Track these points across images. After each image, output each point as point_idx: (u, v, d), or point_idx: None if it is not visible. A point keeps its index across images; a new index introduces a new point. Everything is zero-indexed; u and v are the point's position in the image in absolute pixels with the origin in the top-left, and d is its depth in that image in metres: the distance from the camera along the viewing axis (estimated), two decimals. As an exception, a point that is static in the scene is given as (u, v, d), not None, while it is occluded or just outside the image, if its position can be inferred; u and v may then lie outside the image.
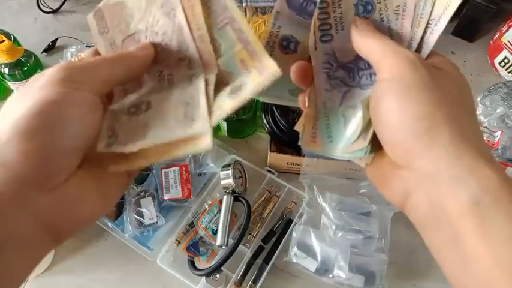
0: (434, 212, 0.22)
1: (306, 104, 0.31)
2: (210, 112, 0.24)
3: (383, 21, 0.28)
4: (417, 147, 0.23)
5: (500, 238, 0.20)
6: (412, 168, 0.23)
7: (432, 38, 0.27)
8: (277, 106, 0.73)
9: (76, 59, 0.28)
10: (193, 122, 0.24)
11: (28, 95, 0.23)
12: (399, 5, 0.27)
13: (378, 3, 0.28)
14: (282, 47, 0.31)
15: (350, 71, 0.29)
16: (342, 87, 0.30)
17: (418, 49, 0.27)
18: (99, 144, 0.25)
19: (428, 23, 0.27)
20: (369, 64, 0.29)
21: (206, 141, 0.23)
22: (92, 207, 0.25)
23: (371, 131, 0.27)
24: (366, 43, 0.27)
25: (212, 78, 0.26)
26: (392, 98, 0.24)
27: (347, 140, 0.28)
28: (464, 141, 0.22)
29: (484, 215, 0.20)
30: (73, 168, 0.23)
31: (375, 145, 0.27)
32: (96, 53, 0.30)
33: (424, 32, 0.27)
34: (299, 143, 0.30)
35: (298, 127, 0.31)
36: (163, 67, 0.28)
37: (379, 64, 0.26)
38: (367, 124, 0.27)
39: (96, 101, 0.24)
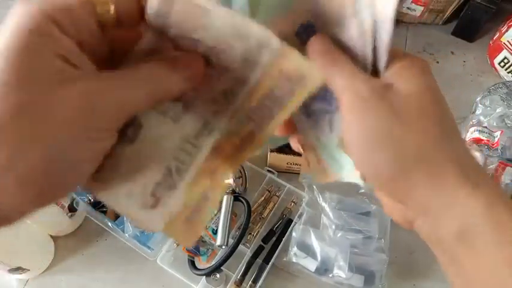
0: (434, 239, 0.23)
1: (302, 152, 0.30)
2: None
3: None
4: (398, 188, 0.23)
5: (491, 263, 0.21)
6: (403, 204, 0.24)
7: (383, 42, 0.24)
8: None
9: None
10: (153, 210, 0.21)
11: (32, 134, 0.18)
12: (338, 19, 0.25)
13: (316, 22, 0.25)
14: None
15: (324, 98, 0.28)
16: (325, 116, 0.28)
17: (375, 57, 0.24)
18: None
19: (373, 28, 0.24)
20: None
21: (155, 229, 0.21)
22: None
23: None
24: (323, 70, 0.24)
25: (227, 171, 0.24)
26: (360, 143, 0.23)
27: (351, 164, 0.27)
28: (443, 170, 0.22)
29: (472, 244, 0.21)
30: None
31: None
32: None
33: (374, 38, 0.24)
34: (313, 181, 0.30)
35: (304, 170, 0.30)
36: (195, 99, 0.23)
37: (339, 100, 0.24)
38: None
39: (112, 141, 0.20)
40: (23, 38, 0.18)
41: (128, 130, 0.21)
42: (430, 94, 0.23)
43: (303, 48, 0.25)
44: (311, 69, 0.22)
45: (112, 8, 0.19)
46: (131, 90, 0.20)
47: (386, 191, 0.24)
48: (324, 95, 0.27)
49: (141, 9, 0.21)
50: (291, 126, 0.29)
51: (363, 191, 0.69)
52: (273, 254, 0.65)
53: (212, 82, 0.23)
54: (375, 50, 0.24)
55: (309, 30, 0.26)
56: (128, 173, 0.21)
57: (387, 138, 0.22)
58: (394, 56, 0.24)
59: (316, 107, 0.28)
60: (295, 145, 0.31)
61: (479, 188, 0.21)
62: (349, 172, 0.28)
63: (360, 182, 0.27)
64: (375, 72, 0.24)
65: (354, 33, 0.24)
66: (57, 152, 0.18)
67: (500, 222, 0.21)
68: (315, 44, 0.25)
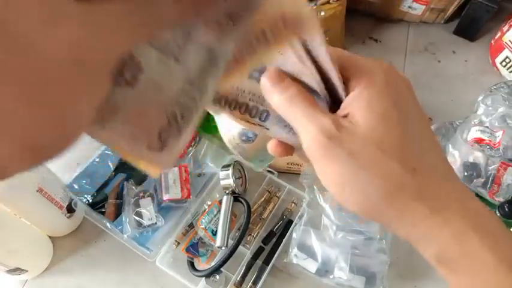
0: (415, 244, 0.24)
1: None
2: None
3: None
4: (377, 219, 0.24)
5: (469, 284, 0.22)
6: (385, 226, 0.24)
7: (325, 61, 0.23)
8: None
9: None
10: (161, 152, 0.21)
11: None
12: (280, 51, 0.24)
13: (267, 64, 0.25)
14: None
15: None
16: None
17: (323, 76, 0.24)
18: None
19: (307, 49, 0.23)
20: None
21: (155, 172, 0.21)
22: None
23: None
24: (283, 112, 0.24)
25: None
26: (332, 187, 0.23)
27: None
28: (416, 202, 0.22)
29: (450, 266, 0.22)
30: None
31: None
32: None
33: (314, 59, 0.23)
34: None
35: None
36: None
37: (303, 144, 0.24)
38: None
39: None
40: None
41: (127, 74, 0.19)
42: (385, 123, 0.22)
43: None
44: (309, 17, 0.22)
45: None
46: (120, 29, 0.17)
47: (368, 218, 0.24)
48: None
49: None
50: (286, 147, 0.28)
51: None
52: (273, 255, 0.64)
53: (216, 4, 0.21)
54: (322, 73, 0.23)
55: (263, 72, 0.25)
56: (130, 118, 0.20)
57: (353, 183, 0.22)
58: (351, 68, 0.23)
59: None
60: (277, 149, 0.29)
61: (450, 219, 0.22)
62: None
63: None
64: (334, 98, 0.24)
65: (295, 60, 0.23)
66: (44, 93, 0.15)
67: (472, 254, 0.22)
68: (271, 79, 0.24)
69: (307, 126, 0.22)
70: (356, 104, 0.22)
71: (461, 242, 0.22)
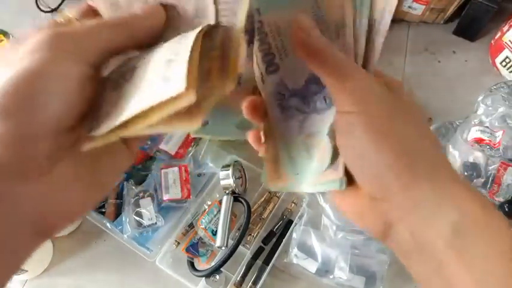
0: (417, 244, 0.22)
1: (262, 140, 0.29)
2: (194, 67, 0.19)
3: (332, 41, 0.26)
4: (397, 182, 0.22)
5: (482, 266, 0.20)
6: (391, 201, 0.23)
7: (375, 52, 0.25)
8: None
9: (62, 19, 0.23)
10: (167, 82, 0.19)
11: (6, 63, 0.19)
12: (337, 23, 0.25)
13: (316, 24, 0.25)
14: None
15: (304, 98, 0.27)
16: (299, 116, 0.28)
17: (364, 65, 0.25)
18: (83, 129, 0.21)
19: (368, 36, 0.25)
20: (320, 85, 0.27)
21: (185, 101, 0.18)
22: (82, 196, 0.22)
23: (341, 162, 0.25)
24: (320, 65, 0.23)
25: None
26: (365, 135, 0.22)
27: (315, 170, 0.26)
28: (438, 171, 0.22)
29: (465, 243, 0.21)
30: (59, 151, 0.20)
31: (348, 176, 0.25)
32: (87, 12, 0.25)
33: (367, 45, 0.25)
34: (262, 181, 0.28)
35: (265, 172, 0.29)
36: (175, 35, 0.23)
37: (339, 94, 0.23)
38: (334, 154, 0.25)
39: (89, 72, 0.20)
40: None
41: (127, 75, 0.22)
42: (419, 109, 0.25)
43: None
44: None
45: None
46: (96, 31, 0.21)
47: (381, 184, 0.23)
48: (303, 94, 0.27)
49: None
50: (261, 112, 0.28)
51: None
52: (273, 255, 0.64)
53: (180, 20, 0.24)
54: (365, 55, 0.24)
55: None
56: (134, 93, 0.20)
57: (401, 125, 0.22)
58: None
59: (293, 104, 0.28)
60: (253, 138, 0.29)
61: (473, 191, 0.22)
62: (316, 177, 0.26)
63: (334, 186, 0.25)
64: None
65: (349, 38, 0.24)
66: (31, 70, 0.18)
67: (494, 227, 0.21)
68: (310, 32, 0.23)
69: (349, 68, 0.23)
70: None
71: (488, 217, 0.21)
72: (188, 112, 0.19)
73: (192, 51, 0.19)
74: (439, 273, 0.21)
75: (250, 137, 0.30)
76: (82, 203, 0.22)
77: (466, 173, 0.69)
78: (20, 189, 0.19)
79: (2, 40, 0.71)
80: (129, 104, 0.19)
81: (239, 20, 0.23)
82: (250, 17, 0.25)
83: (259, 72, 0.27)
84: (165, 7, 0.23)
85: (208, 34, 0.22)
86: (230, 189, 0.66)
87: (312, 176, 0.27)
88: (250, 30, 0.26)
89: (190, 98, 0.18)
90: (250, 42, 0.26)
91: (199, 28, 0.21)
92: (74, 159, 0.20)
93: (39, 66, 0.19)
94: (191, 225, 0.67)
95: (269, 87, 0.28)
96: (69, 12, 0.23)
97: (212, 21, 0.23)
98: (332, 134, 0.25)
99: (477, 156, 0.70)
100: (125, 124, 0.19)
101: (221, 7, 0.23)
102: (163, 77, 0.19)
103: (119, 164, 0.24)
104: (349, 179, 0.25)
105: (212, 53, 0.22)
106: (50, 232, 0.21)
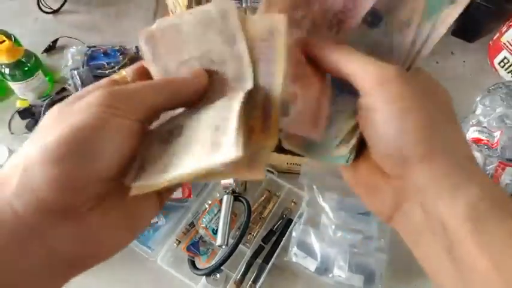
0: (429, 222, 0.22)
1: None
2: (241, 136, 0.21)
3: (386, 36, 0.27)
4: (415, 157, 0.22)
5: (498, 246, 0.20)
6: (407, 178, 0.23)
7: (424, 54, 0.27)
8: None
9: (117, 77, 0.26)
10: (218, 148, 0.21)
11: (64, 118, 0.21)
12: (404, 21, 0.27)
13: (385, 15, 0.27)
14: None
15: (334, 82, 0.29)
16: (336, 91, 0.29)
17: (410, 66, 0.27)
18: (127, 177, 0.23)
19: (425, 41, 0.27)
20: None
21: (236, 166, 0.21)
22: (115, 239, 0.23)
23: (353, 141, 0.26)
24: (341, 63, 0.25)
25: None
26: (388, 109, 0.23)
27: (330, 142, 0.27)
28: (461, 151, 0.23)
29: (481, 223, 0.20)
30: (100, 197, 0.22)
31: (357, 153, 0.27)
32: (141, 71, 0.27)
33: (419, 52, 0.27)
34: (280, 137, 0.28)
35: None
36: (216, 98, 0.26)
37: (362, 88, 0.24)
38: (350, 132, 0.26)
39: (136, 127, 0.23)
40: None
41: (174, 132, 0.25)
42: (451, 101, 0.26)
43: (364, 29, 0.27)
44: (273, 21, 0.24)
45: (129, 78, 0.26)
46: (143, 92, 0.24)
47: (398, 159, 0.23)
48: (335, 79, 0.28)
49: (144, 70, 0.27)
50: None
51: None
52: (273, 254, 0.65)
53: (221, 83, 0.26)
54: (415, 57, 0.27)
55: (375, 17, 0.28)
56: (185, 150, 0.23)
57: (420, 105, 0.23)
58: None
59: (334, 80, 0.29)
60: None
61: (486, 175, 0.22)
62: (327, 152, 0.28)
63: (340, 161, 0.27)
64: None
65: (409, 39, 0.27)
66: (84, 124, 0.21)
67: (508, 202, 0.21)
68: (321, 44, 0.26)
69: (375, 66, 0.24)
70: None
71: (501, 192, 0.22)
72: (248, 166, 0.22)
73: (239, 120, 0.21)
74: (449, 254, 0.21)
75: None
76: (113, 245, 0.23)
77: (464, 173, 0.69)
78: (61, 229, 0.21)
79: (4, 41, 0.71)
80: (182, 161, 0.22)
81: (276, 84, 0.24)
82: None
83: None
84: (208, 72, 0.26)
85: (250, 95, 0.24)
86: (230, 189, 0.67)
87: (326, 147, 0.28)
88: None
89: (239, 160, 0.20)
90: None
91: (243, 94, 0.23)
92: (112, 204, 0.22)
93: (94, 121, 0.21)
94: (192, 224, 0.68)
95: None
96: (125, 71, 0.27)
97: (250, 83, 0.25)
98: (351, 115, 0.26)
99: (475, 156, 0.70)
100: (174, 178, 0.22)
101: (260, 68, 0.25)
102: (211, 142, 0.22)
103: (149, 212, 0.25)
104: (362, 154, 0.26)
105: (254, 112, 0.24)
106: (81, 270, 0.23)
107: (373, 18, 0.27)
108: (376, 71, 0.24)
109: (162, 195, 0.26)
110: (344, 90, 0.28)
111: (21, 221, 0.20)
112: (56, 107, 0.23)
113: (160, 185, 0.22)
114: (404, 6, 0.27)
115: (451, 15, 0.25)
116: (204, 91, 0.26)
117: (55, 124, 0.21)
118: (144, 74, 0.27)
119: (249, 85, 0.25)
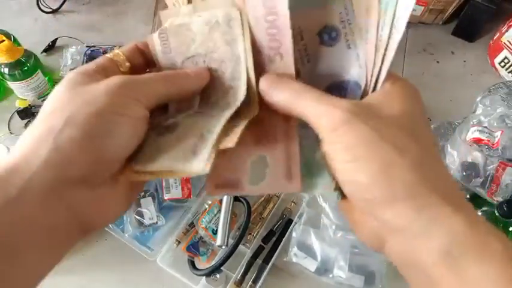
0: (409, 260, 0.23)
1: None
2: (213, 154, 0.24)
3: (350, 48, 0.26)
4: (382, 201, 0.22)
5: (474, 285, 0.20)
6: (380, 220, 0.23)
7: (388, 60, 0.25)
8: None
9: (113, 56, 0.28)
10: (193, 158, 0.24)
11: (85, 96, 0.24)
12: (362, 29, 0.26)
13: (342, 28, 0.26)
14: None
15: None
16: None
17: (378, 74, 0.26)
18: (135, 161, 0.26)
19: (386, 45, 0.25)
20: (343, 92, 0.27)
21: (198, 171, 0.24)
22: (118, 207, 0.26)
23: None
24: (292, 106, 0.25)
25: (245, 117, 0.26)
26: (341, 159, 0.23)
27: (325, 179, 0.27)
28: (426, 190, 0.22)
29: (456, 263, 0.21)
30: (113, 172, 0.25)
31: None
32: (135, 51, 0.29)
33: (384, 55, 0.25)
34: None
35: None
36: (213, 94, 0.29)
37: (316, 124, 0.24)
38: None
39: (147, 115, 0.25)
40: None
41: (170, 125, 0.27)
42: (408, 117, 0.24)
43: (322, 49, 0.27)
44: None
45: (126, 64, 0.28)
46: (154, 83, 0.26)
47: (366, 204, 0.23)
48: None
49: (146, 58, 0.29)
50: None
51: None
52: (273, 254, 0.65)
53: (220, 81, 0.28)
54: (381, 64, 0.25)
55: (332, 34, 0.26)
56: (170, 149, 0.26)
57: (371, 152, 0.22)
58: (388, 78, 0.25)
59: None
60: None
61: (461, 208, 0.22)
62: (326, 185, 0.27)
63: (334, 197, 0.26)
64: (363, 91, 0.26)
65: (370, 48, 0.25)
66: (106, 109, 0.23)
67: (485, 242, 0.21)
68: (269, 81, 0.26)
69: (326, 108, 0.23)
70: (386, 94, 0.25)
71: (476, 233, 0.21)
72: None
73: (217, 139, 0.24)
74: (431, 285, 0.22)
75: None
76: (117, 211, 0.27)
77: (464, 173, 0.69)
78: (79, 193, 0.23)
79: (3, 41, 0.71)
80: (166, 157, 0.25)
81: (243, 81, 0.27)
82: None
83: None
84: (210, 70, 0.29)
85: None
86: (230, 189, 0.66)
87: (322, 184, 0.27)
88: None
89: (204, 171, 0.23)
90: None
91: (231, 111, 0.26)
92: (117, 179, 0.25)
93: (118, 105, 0.24)
94: (192, 225, 0.68)
95: None
96: (120, 50, 0.29)
97: (244, 84, 0.27)
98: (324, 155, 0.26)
99: (476, 156, 0.70)
100: (158, 173, 0.25)
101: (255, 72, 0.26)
102: (192, 149, 0.25)
103: (137, 186, 0.29)
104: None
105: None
106: (90, 231, 0.25)
107: (329, 34, 0.26)
108: (327, 113, 0.23)
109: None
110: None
111: (44, 183, 0.22)
112: (69, 83, 0.24)
113: (151, 177, 0.25)
114: (358, 10, 0.26)
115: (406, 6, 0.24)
116: (205, 87, 0.28)
117: (77, 99, 0.23)
118: (138, 54, 0.29)
119: (243, 83, 0.27)
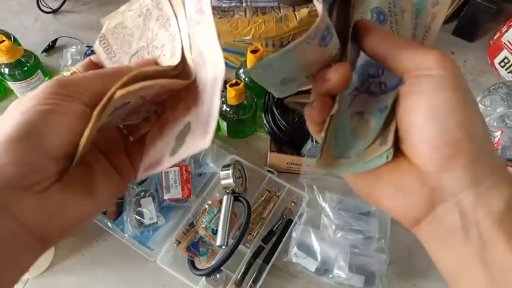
0: (464, 223, 0.22)
1: (326, 124, 0.28)
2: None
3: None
4: (463, 154, 0.22)
5: None
6: (451, 174, 0.22)
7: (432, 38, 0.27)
8: (277, 106, 0.73)
9: (68, 74, 0.29)
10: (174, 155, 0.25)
11: (19, 106, 0.24)
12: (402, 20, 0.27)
13: (389, 16, 0.27)
14: (321, 38, 0.25)
15: (360, 76, 0.28)
16: (352, 91, 0.28)
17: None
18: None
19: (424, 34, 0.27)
20: (379, 72, 0.27)
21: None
22: (78, 212, 0.26)
23: (391, 135, 0.25)
24: (387, 50, 0.25)
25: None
26: (454, 93, 0.22)
27: (358, 148, 0.27)
28: (496, 153, 0.23)
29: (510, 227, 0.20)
30: (57, 173, 0.24)
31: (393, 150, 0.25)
32: (88, 65, 0.31)
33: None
34: (316, 165, 0.28)
35: (317, 136, 0.28)
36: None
37: (408, 73, 0.24)
38: (383, 127, 0.25)
39: (85, 111, 0.25)
40: None
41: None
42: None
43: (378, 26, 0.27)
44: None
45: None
46: (89, 79, 0.27)
47: (440, 157, 0.22)
48: (360, 72, 0.27)
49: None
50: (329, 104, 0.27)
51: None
52: (273, 254, 0.65)
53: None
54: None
55: (381, 17, 0.27)
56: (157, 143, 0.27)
57: (464, 104, 0.22)
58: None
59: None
60: (310, 112, 0.28)
61: None
62: (359, 156, 0.26)
63: (378, 162, 0.25)
64: None
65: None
66: (35, 110, 0.23)
67: None
68: (369, 25, 0.26)
69: (424, 50, 0.23)
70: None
71: None
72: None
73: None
74: (480, 256, 0.21)
75: (308, 117, 0.29)
76: (76, 217, 0.26)
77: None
78: (23, 202, 0.23)
79: (3, 41, 0.71)
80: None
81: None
82: None
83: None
84: (155, 59, 0.28)
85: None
86: (230, 189, 0.67)
87: (355, 155, 0.27)
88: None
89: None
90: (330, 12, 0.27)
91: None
92: (71, 180, 0.25)
93: (43, 106, 0.24)
94: (192, 225, 0.68)
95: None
96: (75, 67, 0.29)
97: (178, 57, 0.27)
98: (391, 108, 0.25)
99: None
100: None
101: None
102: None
103: (113, 189, 0.28)
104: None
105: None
106: (50, 241, 0.25)
107: (378, 16, 0.27)
108: (438, 56, 0.23)
109: (124, 174, 0.29)
110: (361, 90, 0.28)
111: None
112: (13, 102, 0.25)
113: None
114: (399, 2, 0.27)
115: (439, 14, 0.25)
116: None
117: (12, 113, 0.24)
118: (94, 67, 0.30)
119: (177, 59, 0.27)
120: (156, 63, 0.28)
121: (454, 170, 0.22)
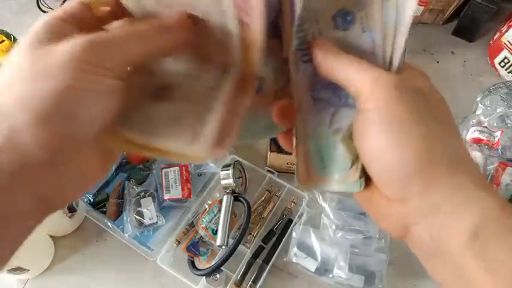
0: (436, 245, 0.22)
1: (294, 144, 0.29)
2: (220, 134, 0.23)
3: (365, 31, 0.26)
4: (415, 184, 0.22)
5: (503, 268, 0.20)
6: (409, 203, 0.23)
7: (399, 45, 0.25)
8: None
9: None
10: (196, 140, 0.23)
11: (44, 70, 0.20)
12: (376, 13, 0.25)
13: (358, 11, 0.26)
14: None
15: (335, 90, 0.27)
16: (330, 109, 0.28)
17: (391, 60, 0.26)
18: (125, 127, 0.24)
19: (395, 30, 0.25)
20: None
21: (199, 160, 0.23)
22: (90, 179, 0.24)
23: (360, 163, 0.25)
24: (337, 68, 0.24)
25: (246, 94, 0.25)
26: (383, 134, 0.22)
27: (341, 166, 0.27)
28: (461, 171, 0.22)
29: (485, 246, 0.20)
30: (82, 153, 0.22)
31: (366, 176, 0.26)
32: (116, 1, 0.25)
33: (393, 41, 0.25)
34: (295, 180, 0.29)
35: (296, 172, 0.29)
36: (198, 49, 0.25)
37: (358, 93, 0.23)
38: (355, 154, 0.26)
39: (119, 86, 0.21)
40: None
41: (163, 91, 0.25)
42: (443, 100, 0.25)
43: (337, 33, 0.26)
44: None
45: (102, 8, 0.24)
46: (126, 43, 0.22)
47: (398, 186, 0.23)
48: (336, 86, 0.27)
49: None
50: (292, 114, 0.28)
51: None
52: (273, 254, 0.65)
53: (204, 34, 0.25)
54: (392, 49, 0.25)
55: (347, 17, 0.26)
56: (168, 122, 0.24)
57: (420, 125, 0.22)
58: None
59: (324, 96, 0.28)
60: (283, 141, 0.30)
61: (491, 192, 0.22)
62: (342, 176, 0.27)
63: (354, 188, 0.26)
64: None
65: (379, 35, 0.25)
66: (67, 86, 0.20)
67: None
68: (321, 42, 0.25)
69: (367, 69, 0.23)
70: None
71: (507, 216, 0.21)
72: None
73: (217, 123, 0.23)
74: (458, 276, 0.21)
75: (280, 140, 0.30)
76: (88, 184, 0.25)
77: (464, 173, 0.69)
78: (43, 175, 0.21)
79: (3, 41, 0.71)
80: (163, 133, 0.24)
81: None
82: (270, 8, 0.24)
83: (294, 61, 0.27)
84: (193, 17, 0.24)
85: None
86: (230, 189, 0.67)
87: (338, 173, 0.27)
88: (271, 22, 0.25)
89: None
90: (270, 37, 0.25)
91: (230, 83, 0.25)
92: (89, 150, 0.23)
93: (75, 82, 0.20)
94: (192, 225, 0.68)
95: (303, 78, 0.27)
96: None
97: (236, 37, 0.24)
98: (350, 135, 0.25)
99: (476, 156, 0.70)
100: (153, 149, 0.24)
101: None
102: (193, 131, 0.23)
103: (116, 153, 0.27)
104: (369, 180, 0.25)
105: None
106: (53, 210, 0.23)
107: (344, 18, 0.26)
108: (373, 87, 0.23)
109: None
110: (340, 103, 0.27)
111: (7, 165, 0.20)
112: (31, 41, 0.21)
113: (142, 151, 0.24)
114: None
115: None
116: (189, 40, 0.24)
117: (33, 70, 0.20)
118: (120, 9, 0.25)
119: (235, 39, 0.24)
120: (194, 24, 0.24)
121: (410, 199, 0.22)
